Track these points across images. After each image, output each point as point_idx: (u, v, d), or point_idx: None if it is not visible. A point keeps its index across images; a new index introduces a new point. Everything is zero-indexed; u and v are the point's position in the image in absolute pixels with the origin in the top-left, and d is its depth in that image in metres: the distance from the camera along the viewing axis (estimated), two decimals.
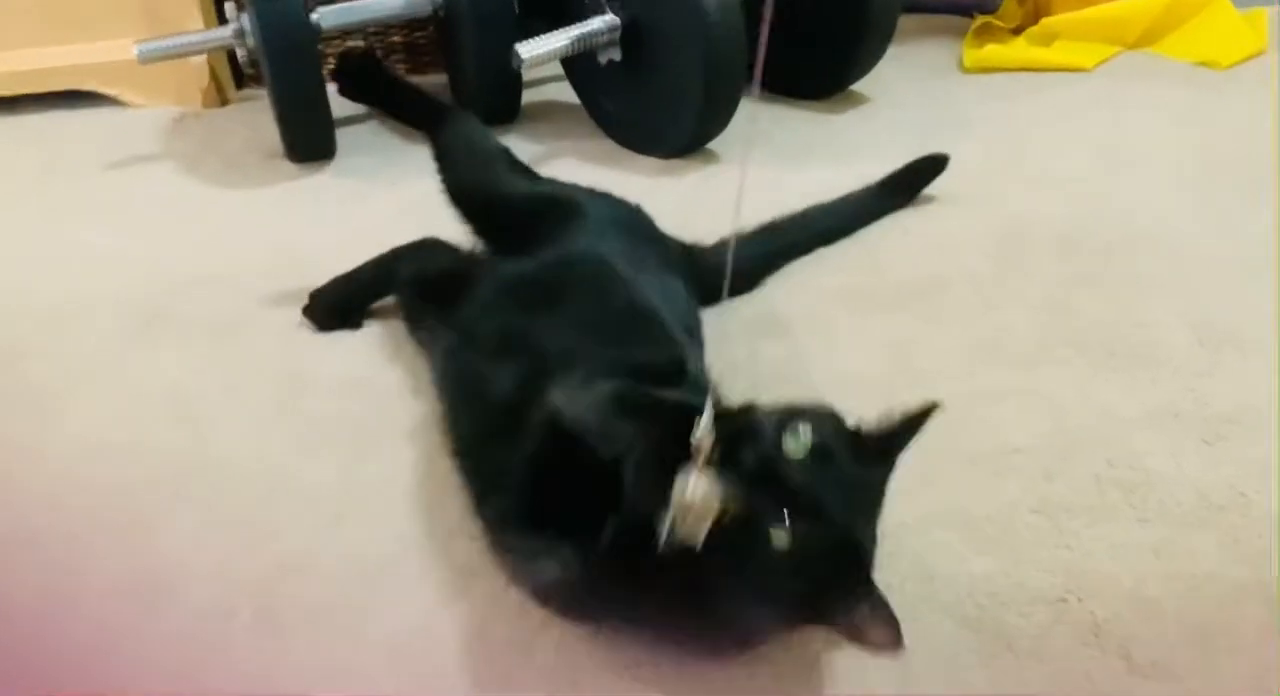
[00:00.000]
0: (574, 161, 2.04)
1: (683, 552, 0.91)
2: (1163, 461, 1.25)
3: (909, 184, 1.80)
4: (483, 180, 1.56)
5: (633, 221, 1.51)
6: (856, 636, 0.95)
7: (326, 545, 1.20)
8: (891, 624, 0.93)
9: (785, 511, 0.92)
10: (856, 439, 1.01)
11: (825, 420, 1.00)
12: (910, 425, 1.02)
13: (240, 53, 2.08)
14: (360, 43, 2.33)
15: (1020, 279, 1.60)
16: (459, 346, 1.28)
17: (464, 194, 1.53)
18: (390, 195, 1.91)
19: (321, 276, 1.56)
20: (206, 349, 1.52)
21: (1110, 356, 1.42)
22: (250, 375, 1.47)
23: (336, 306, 1.55)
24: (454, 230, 1.52)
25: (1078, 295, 1.56)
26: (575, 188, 1.57)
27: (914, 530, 1.16)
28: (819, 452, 0.95)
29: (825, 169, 1.92)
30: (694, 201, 1.84)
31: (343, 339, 1.53)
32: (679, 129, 1.99)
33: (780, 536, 0.92)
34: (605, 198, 1.54)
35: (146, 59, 2.00)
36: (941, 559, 1.14)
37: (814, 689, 1.03)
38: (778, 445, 0.95)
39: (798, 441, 0.95)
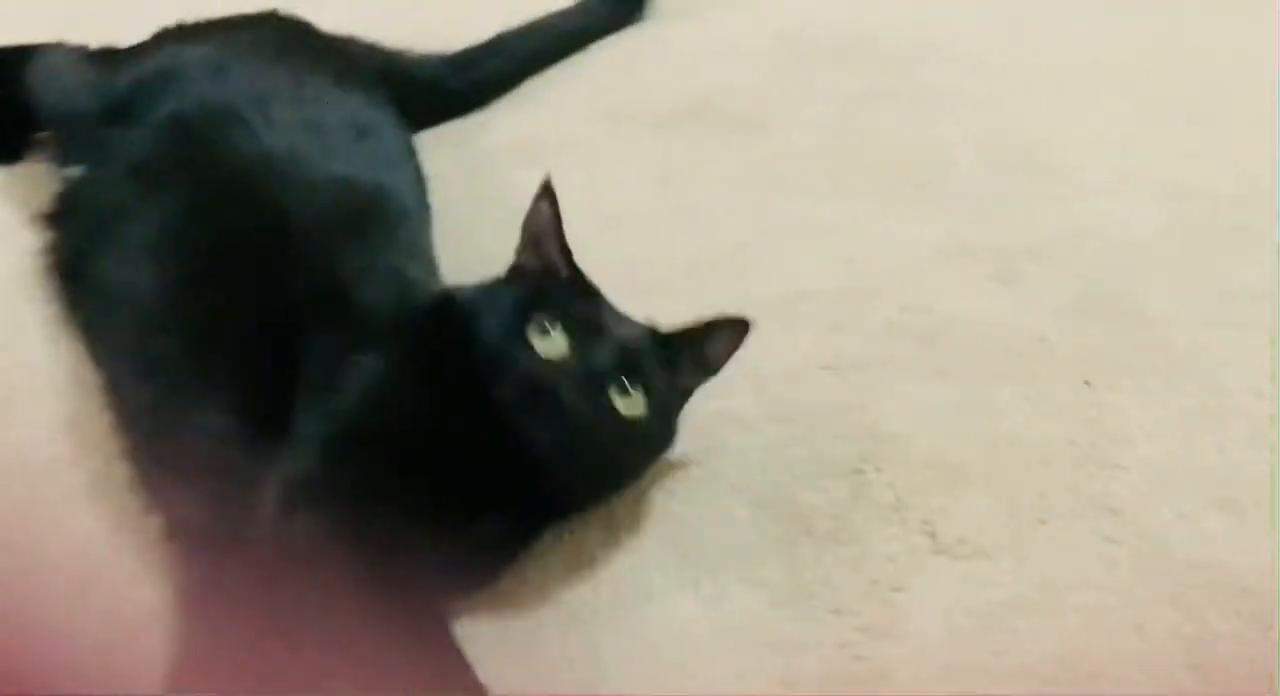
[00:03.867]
0: None
1: None
2: (957, 304, 1.14)
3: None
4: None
5: (278, 42, 1.22)
6: None
7: None
8: None
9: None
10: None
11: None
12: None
13: None
14: None
15: (800, 95, 1.44)
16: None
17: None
18: None
19: None
20: None
21: (901, 184, 1.29)
22: None
23: None
24: None
25: (863, 114, 1.41)
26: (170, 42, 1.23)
27: (701, 392, 1.00)
28: None
29: None
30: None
31: None
32: None
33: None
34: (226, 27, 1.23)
35: None
36: (731, 429, 1.01)
37: (594, 585, 0.90)
38: None
39: None
